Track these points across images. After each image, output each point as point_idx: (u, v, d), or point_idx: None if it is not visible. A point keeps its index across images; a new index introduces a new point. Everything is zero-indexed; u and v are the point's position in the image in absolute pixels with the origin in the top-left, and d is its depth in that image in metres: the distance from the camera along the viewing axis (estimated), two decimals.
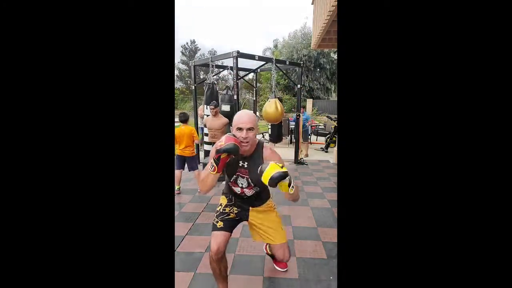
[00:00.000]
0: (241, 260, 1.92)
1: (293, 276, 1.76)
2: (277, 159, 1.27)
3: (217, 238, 1.37)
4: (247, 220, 1.51)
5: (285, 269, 1.82)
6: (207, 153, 4.09)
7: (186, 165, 3.33)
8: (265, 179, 1.08)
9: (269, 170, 1.08)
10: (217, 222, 1.44)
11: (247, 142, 1.23)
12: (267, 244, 1.86)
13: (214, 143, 3.76)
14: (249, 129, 1.22)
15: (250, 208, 1.49)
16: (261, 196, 1.47)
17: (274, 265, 1.86)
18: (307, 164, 4.85)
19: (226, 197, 1.51)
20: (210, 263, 1.40)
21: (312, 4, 4.82)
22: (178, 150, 3.24)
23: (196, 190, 3.40)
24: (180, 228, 2.39)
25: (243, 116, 1.25)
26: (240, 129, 1.23)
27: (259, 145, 1.35)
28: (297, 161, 4.93)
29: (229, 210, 1.46)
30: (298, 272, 1.80)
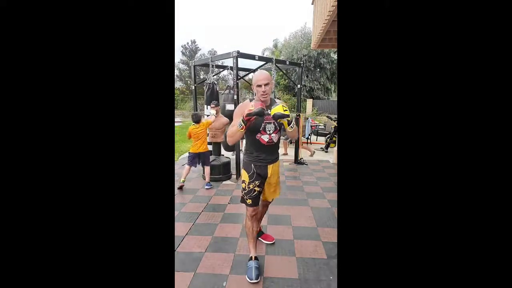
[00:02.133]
0: (241, 260, 1.92)
1: (293, 276, 1.76)
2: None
3: (251, 208, 1.78)
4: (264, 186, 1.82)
5: (273, 241, 2.13)
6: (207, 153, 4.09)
7: (199, 160, 3.51)
8: (272, 112, 1.49)
9: (276, 108, 1.49)
10: (247, 199, 1.77)
11: (266, 94, 1.61)
12: None
13: (214, 143, 3.78)
14: (266, 84, 1.59)
15: (268, 173, 1.75)
16: (278, 145, 1.81)
17: (262, 240, 2.13)
18: (307, 164, 4.85)
19: (248, 172, 1.75)
20: (246, 223, 1.85)
21: (312, 4, 4.82)
22: (192, 147, 3.46)
23: (196, 190, 3.40)
24: (180, 228, 2.39)
25: (260, 75, 1.61)
26: (259, 86, 1.59)
27: (272, 100, 1.75)
28: (297, 161, 4.94)
29: (253, 186, 1.75)
30: (298, 272, 1.80)
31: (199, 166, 3.63)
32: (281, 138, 1.89)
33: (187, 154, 3.80)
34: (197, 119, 3.41)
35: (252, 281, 1.69)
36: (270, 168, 1.76)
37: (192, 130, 3.40)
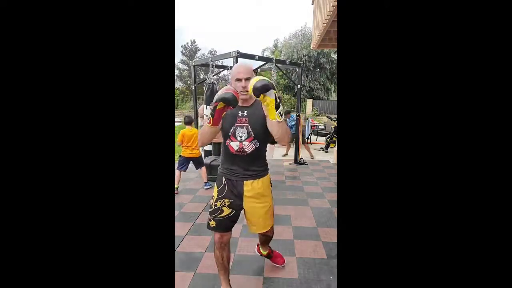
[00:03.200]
0: (241, 260, 1.92)
1: (293, 276, 1.76)
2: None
3: (217, 235, 1.42)
4: (243, 209, 1.44)
5: (283, 265, 1.85)
6: (207, 153, 4.09)
7: (191, 165, 3.44)
8: (250, 87, 1.11)
9: (254, 80, 1.10)
10: (210, 220, 1.42)
11: (246, 91, 1.24)
12: (258, 245, 1.87)
13: (214, 143, 3.78)
14: (247, 79, 1.24)
15: (244, 190, 1.38)
16: (259, 158, 1.38)
17: (272, 263, 1.88)
18: (307, 164, 4.85)
19: (218, 186, 1.41)
20: (214, 251, 1.45)
21: (312, 4, 4.82)
22: (184, 152, 3.33)
23: (196, 190, 3.40)
24: (180, 228, 2.39)
25: (240, 67, 1.29)
26: (239, 79, 1.26)
27: (256, 102, 1.36)
28: (297, 161, 4.94)
29: (220, 204, 1.38)
30: (298, 272, 1.80)
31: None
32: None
33: None
34: (188, 121, 3.35)
35: None
36: (247, 185, 1.37)
37: (186, 132, 3.28)
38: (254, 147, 1.32)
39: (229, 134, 1.32)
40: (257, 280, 1.72)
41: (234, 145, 1.32)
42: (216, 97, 1.13)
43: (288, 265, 1.87)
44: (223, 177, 1.40)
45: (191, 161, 3.37)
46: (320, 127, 8.09)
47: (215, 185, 1.44)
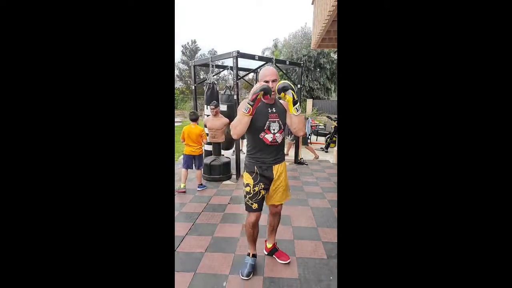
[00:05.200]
0: (241, 260, 1.92)
1: (293, 276, 1.76)
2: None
3: (255, 214, 1.68)
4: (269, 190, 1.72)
5: (288, 261, 1.88)
6: (207, 153, 4.09)
7: (193, 164, 3.41)
8: (276, 87, 1.50)
9: (278, 83, 1.49)
10: (251, 204, 1.66)
11: (273, 92, 1.54)
12: (266, 244, 1.98)
13: (214, 143, 3.78)
14: (274, 80, 1.55)
15: (274, 174, 1.66)
16: (283, 146, 1.72)
17: (276, 258, 1.91)
18: (307, 164, 4.85)
19: (251, 175, 1.66)
20: (246, 230, 1.76)
21: (312, 4, 4.82)
22: (187, 149, 3.31)
23: (196, 190, 3.40)
24: (180, 228, 2.39)
25: (267, 70, 1.58)
26: (267, 82, 1.53)
27: (277, 100, 1.71)
28: (297, 161, 4.94)
29: (258, 189, 1.65)
30: (298, 272, 1.80)
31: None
32: (287, 138, 1.89)
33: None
34: (195, 117, 3.33)
35: (242, 277, 1.72)
36: (275, 168, 1.67)
37: (190, 130, 3.26)
38: (282, 137, 1.66)
39: (264, 128, 1.58)
40: (257, 280, 1.72)
41: (269, 137, 1.60)
42: (254, 90, 1.44)
43: (288, 265, 1.87)
44: (254, 166, 1.65)
45: (194, 159, 3.36)
46: (320, 127, 8.09)
47: (247, 174, 1.67)
